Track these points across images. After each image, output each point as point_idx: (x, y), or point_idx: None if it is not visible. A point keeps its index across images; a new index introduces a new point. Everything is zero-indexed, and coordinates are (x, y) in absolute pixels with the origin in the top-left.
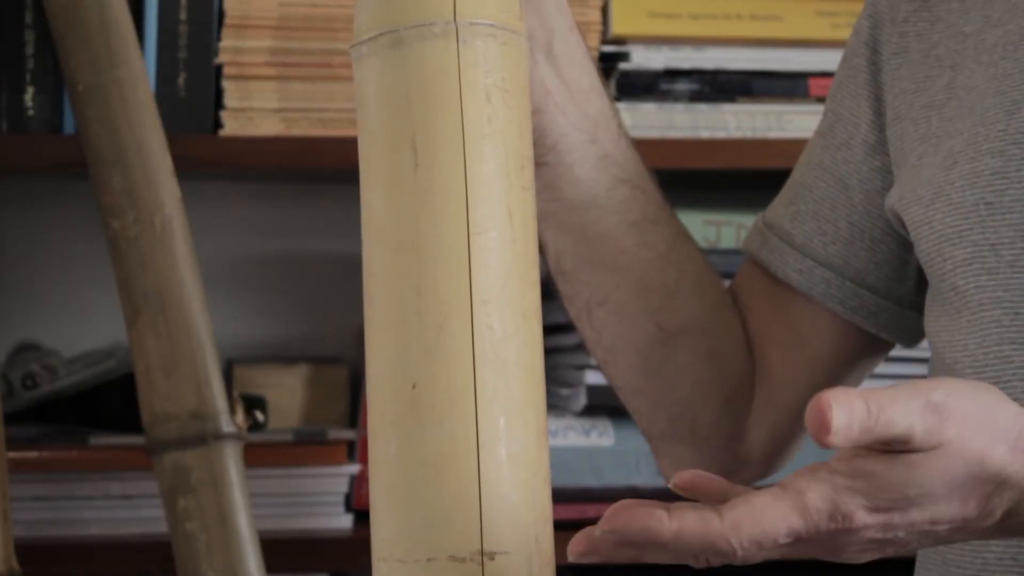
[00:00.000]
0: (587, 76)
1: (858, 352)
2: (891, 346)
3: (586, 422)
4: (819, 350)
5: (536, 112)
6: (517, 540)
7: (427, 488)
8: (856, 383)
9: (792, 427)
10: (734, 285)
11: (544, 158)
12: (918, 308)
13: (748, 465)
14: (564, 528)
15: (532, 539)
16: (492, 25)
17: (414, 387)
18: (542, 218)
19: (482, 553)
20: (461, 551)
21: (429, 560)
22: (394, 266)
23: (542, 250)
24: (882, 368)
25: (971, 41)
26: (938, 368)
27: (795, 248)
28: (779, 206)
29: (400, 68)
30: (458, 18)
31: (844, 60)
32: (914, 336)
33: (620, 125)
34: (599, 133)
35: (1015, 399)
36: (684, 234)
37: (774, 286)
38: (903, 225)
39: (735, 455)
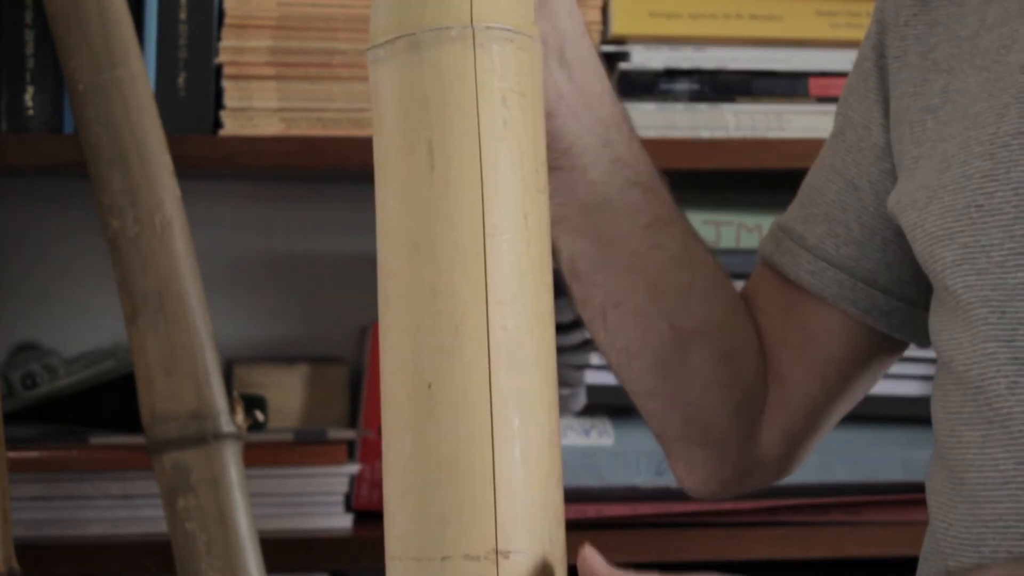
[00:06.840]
0: (599, 80)
1: (871, 352)
2: (905, 346)
3: (586, 422)
4: (832, 351)
5: (550, 116)
6: (531, 539)
7: (442, 487)
8: (870, 383)
9: (806, 428)
10: (747, 289)
11: (558, 162)
12: (930, 307)
13: (762, 466)
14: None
15: (546, 538)
16: (508, 30)
17: (430, 387)
18: (555, 221)
19: (497, 552)
20: (476, 550)
21: (444, 558)
22: (410, 267)
23: (554, 254)
24: (895, 368)
25: (966, 45)
26: (940, 365)
27: (807, 250)
28: (792, 210)
29: (417, 71)
30: (475, 22)
31: (855, 64)
32: (927, 335)
33: (631, 128)
34: (612, 136)
35: (998, 395)
36: (695, 235)
37: (787, 288)
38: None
39: (749, 456)
